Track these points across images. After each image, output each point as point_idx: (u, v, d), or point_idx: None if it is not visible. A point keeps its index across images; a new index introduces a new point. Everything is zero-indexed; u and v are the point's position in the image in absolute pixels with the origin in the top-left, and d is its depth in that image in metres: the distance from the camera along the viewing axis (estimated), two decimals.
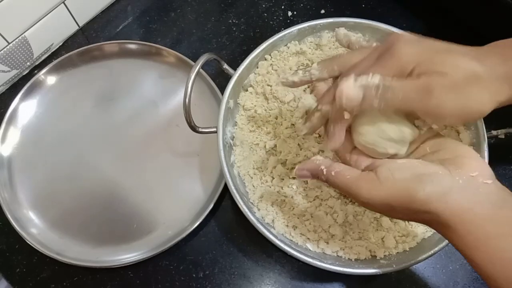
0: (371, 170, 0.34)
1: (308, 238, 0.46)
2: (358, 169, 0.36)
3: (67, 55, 0.60)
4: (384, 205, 0.33)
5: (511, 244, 0.29)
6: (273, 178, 0.48)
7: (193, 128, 0.48)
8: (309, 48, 0.53)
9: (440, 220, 0.31)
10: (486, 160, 0.45)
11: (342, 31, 0.42)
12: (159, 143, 0.57)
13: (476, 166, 0.32)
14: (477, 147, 0.46)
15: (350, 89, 0.32)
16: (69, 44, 0.64)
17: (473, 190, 0.31)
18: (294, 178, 0.48)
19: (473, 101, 0.32)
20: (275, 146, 0.49)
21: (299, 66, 0.52)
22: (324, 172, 0.35)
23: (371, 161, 0.36)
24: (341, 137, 0.36)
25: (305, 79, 0.39)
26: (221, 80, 0.58)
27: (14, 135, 0.58)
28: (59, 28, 0.62)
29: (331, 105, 0.36)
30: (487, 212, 0.30)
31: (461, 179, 0.31)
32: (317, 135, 0.49)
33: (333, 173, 0.35)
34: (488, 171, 0.33)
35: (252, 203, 0.48)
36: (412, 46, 0.33)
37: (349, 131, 0.37)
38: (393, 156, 0.36)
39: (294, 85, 0.40)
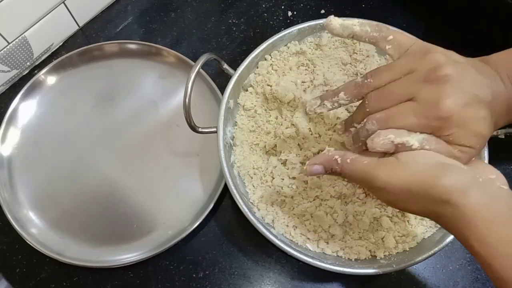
0: (390, 156, 0.33)
1: (308, 238, 0.46)
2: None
3: (67, 55, 0.60)
4: (402, 189, 0.32)
5: None
6: (273, 178, 0.48)
7: (193, 128, 0.48)
8: (309, 48, 0.53)
9: (459, 214, 0.30)
10: (486, 160, 0.45)
11: (336, 21, 0.37)
12: (159, 143, 0.57)
13: (493, 171, 0.32)
14: None
15: (384, 146, 0.33)
16: (69, 44, 0.64)
17: (492, 191, 0.31)
18: (294, 178, 0.48)
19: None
20: (275, 146, 0.49)
21: (299, 67, 0.52)
22: (339, 161, 0.34)
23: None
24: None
25: (333, 108, 0.38)
26: (221, 80, 0.58)
27: (14, 135, 0.58)
28: (59, 28, 0.62)
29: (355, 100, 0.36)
30: (507, 213, 0.29)
31: (481, 177, 0.31)
32: (317, 135, 0.49)
33: (348, 160, 0.34)
34: (503, 178, 0.32)
35: (252, 203, 0.48)
36: (458, 99, 0.32)
37: None
38: None
39: (320, 114, 0.39)
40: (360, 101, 0.37)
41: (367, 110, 0.35)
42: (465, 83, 0.32)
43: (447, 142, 0.33)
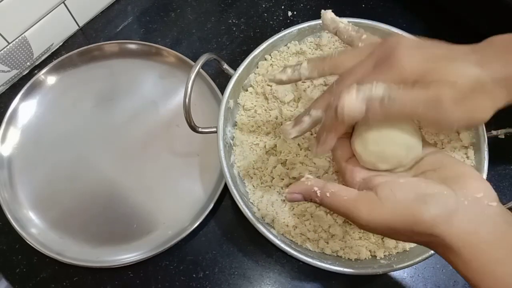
0: (369, 189, 0.32)
1: (308, 238, 0.46)
2: (354, 180, 0.35)
3: (67, 55, 0.60)
4: (385, 227, 0.31)
5: None
6: (273, 178, 0.48)
7: (193, 128, 0.48)
8: (309, 48, 0.53)
9: (445, 243, 0.30)
10: (486, 160, 0.45)
11: (329, 14, 0.40)
12: (159, 143, 0.57)
13: (481, 187, 0.31)
14: (477, 147, 0.46)
15: (353, 102, 0.30)
16: (69, 44, 0.64)
17: (478, 212, 0.30)
18: (294, 178, 0.48)
19: (478, 110, 0.32)
20: (275, 146, 0.49)
21: (296, 64, 0.52)
22: (318, 194, 0.33)
23: (368, 173, 0.35)
24: (331, 145, 0.34)
25: (293, 78, 0.38)
26: (221, 80, 0.58)
27: (14, 135, 0.58)
28: (59, 28, 0.62)
29: (325, 111, 0.34)
30: (492, 236, 0.29)
31: (466, 200, 0.30)
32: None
33: (328, 194, 0.33)
34: (492, 192, 0.31)
35: (252, 203, 0.48)
36: (414, 54, 0.32)
37: (348, 138, 0.36)
38: (393, 170, 0.35)
39: (281, 82, 0.39)
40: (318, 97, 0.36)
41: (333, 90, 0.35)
42: (424, 48, 0.32)
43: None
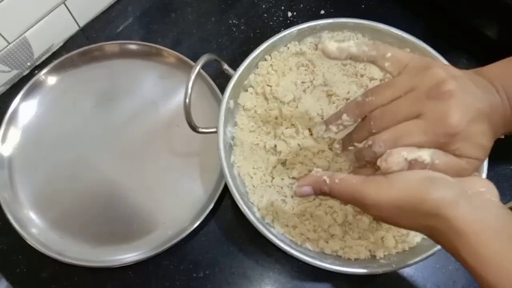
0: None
1: (308, 238, 0.46)
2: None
3: (67, 55, 0.60)
4: (392, 206, 0.32)
5: None
6: (273, 178, 0.48)
7: (193, 128, 0.48)
8: (309, 48, 0.53)
9: (450, 227, 0.30)
10: (486, 160, 0.45)
11: (331, 46, 0.36)
12: (159, 143, 0.57)
13: (483, 184, 0.32)
14: None
15: (397, 166, 0.33)
16: (69, 44, 0.64)
17: (481, 203, 0.31)
18: (294, 178, 0.48)
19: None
20: (275, 146, 0.49)
21: (298, 67, 0.53)
22: (328, 182, 0.34)
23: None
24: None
25: (339, 131, 0.38)
26: (221, 81, 0.58)
27: (14, 135, 0.58)
28: (59, 28, 0.62)
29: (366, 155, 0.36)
30: (498, 225, 0.29)
31: (470, 190, 0.31)
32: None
33: (337, 180, 0.34)
34: (495, 190, 0.32)
35: (252, 203, 0.48)
36: (463, 112, 0.32)
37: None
38: None
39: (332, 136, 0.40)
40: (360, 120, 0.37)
41: (373, 130, 0.35)
42: (467, 97, 0.32)
43: (454, 156, 0.33)
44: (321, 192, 0.35)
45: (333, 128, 0.38)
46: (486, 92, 0.34)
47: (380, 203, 0.32)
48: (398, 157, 0.32)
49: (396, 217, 0.33)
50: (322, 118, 0.49)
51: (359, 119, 0.37)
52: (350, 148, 0.38)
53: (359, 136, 0.36)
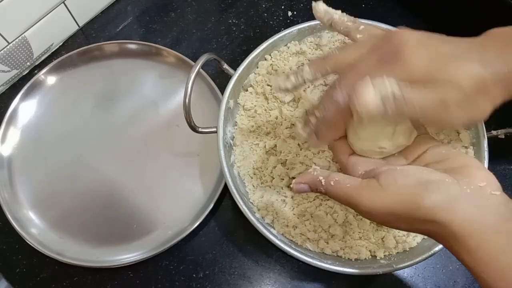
0: (372, 177, 0.32)
1: (308, 238, 0.46)
2: (356, 174, 0.35)
3: (67, 55, 0.60)
4: (387, 213, 0.31)
5: None
6: (273, 178, 0.48)
7: (193, 128, 0.48)
8: (309, 48, 0.53)
9: (447, 231, 0.29)
10: (486, 160, 0.45)
11: (321, 6, 0.38)
12: (159, 143, 0.57)
13: (484, 177, 0.31)
14: (477, 147, 0.46)
15: (371, 98, 0.30)
16: (69, 44, 0.64)
17: (481, 201, 0.30)
18: (294, 178, 0.48)
19: (479, 111, 0.32)
20: (275, 146, 0.49)
21: (298, 67, 0.52)
22: (323, 183, 0.34)
23: (370, 165, 0.35)
24: (330, 141, 0.35)
25: (298, 84, 0.37)
26: (221, 80, 0.58)
27: (14, 135, 0.58)
28: (59, 28, 0.62)
29: (330, 108, 0.34)
30: (497, 224, 0.29)
31: (468, 188, 0.30)
32: None
33: (332, 182, 0.33)
34: (496, 182, 0.31)
35: (252, 203, 0.48)
36: (421, 52, 0.31)
37: (344, 135, 0.36)
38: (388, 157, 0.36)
39: (288, 90, 0.38)
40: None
41: (336, 88, 0.34)
42: (429, 44, 0.32)
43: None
44: (317, 191, 0.35)
45: (292, 77, 0.37)
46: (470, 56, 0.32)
47: (375, 211, 0.31)
48: (369, 91, 0.30)
49: (393, 223, 0.32)
50: None
51: (319, 74, 0.36)
52: (312, 118, 0.36)
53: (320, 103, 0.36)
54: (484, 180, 0.31)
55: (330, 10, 0.38)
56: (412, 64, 0.31)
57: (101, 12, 0.66)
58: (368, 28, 0.37)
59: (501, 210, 0.29)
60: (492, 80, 0.31)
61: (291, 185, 0.36)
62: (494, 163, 0.48)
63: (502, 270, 0.28)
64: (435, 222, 0.29)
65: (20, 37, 0.57)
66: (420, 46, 0.32)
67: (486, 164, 0.45)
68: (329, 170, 0.35)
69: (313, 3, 0.39)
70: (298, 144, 0.49)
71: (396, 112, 0.30)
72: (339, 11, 0.38)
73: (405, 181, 0.31)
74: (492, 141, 0.46)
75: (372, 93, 0.29)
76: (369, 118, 0.30)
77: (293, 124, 0.49)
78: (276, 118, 0.50)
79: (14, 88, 0.61)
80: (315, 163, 0.47)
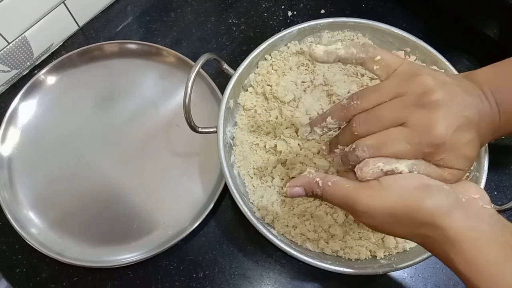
0: (373, 180, 0.33)
1: (308, 238, 0.46)
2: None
3: (67, 55, 0.60)
4: (386, 213, 0.31)
5: None
6: (273, 178, 0.48)
7: (193, 128, 0.48)
8: (309, 48, 0.53)
9: (444, 236, 0.30)
10: (486, 160, 0.45)
11: (318, 50, 0.36)
12: (159, 143, 0.57)
13: (476, 190, 0.32)
14: None
15: (373, 174, 0.32)
16: (69, 44, 0.64)
17: (475, 211, 0.30)
18: (294, 178, 0.48)
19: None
20: (275, 146, 0.49)
21: (299, 67, 0.52)
22: (320, 184, 0.34)
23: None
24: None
25: (324, 133, 0.38)
26: (221, 80, 0.58)
27: (14, 135, 0.57)
28: (59, 28, 0.62)
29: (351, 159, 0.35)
30: (491, 234, 0.29)
31: (464, 197, 0.31)
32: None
33: (329, 183, 0.33)
34: (487, 197, 0.32)
35: (252, 203, 0.48)
36: (448, 124, 0.31)
37: None
38: None
39: (314, 138, 0.39)
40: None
41: (356, 133, 0.34)
42: (455, 106, 0.32)
43: (437, 166, 0.32)
44: (313, 194, 0.35)
45: (318, 130, 0.37)
46: (475, 99, 0.33)
47: (373, 210, 0.31)
48: (373, 168, 0.32)
49: (389, 225, 0.32)
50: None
51: (344, 123, 0.36)
52: (336, 150, 0.37)
53: (344, 139, 0.36)
54: (477, 193, 0.32)
55: (330, 48, 0.36)
56: (437, 137, 0.31)
57: (101, 12, 0.66)
58: (385, 58, 0.35)
59: (492, 222, 0.30)
60: (483, 135, 0.34)
61: (284, 189, 0.36)
62: (494, 163, 0.48)
63: (495, 278, 0.28)
64: (433, 225, 0.30)
65: (20, 37, 0.57)
66: (449, 110, 0.32)
67: (486, 164, 0.45)
68: (328, 172, 0.35)
69: (308, 50, 0.36)
70: (298, 144, 0.49)
71: None
72: (339, 44, 0.36)
73: (407, 183, 0.31)
74: (492, 141, 0.46)
75: (377, 174, 0.32)
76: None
77: (293, 124, 0.49)
78: (276, 118, 0.50)
79: (14, 88, 0.61)
80: (315, 163, 0.47)
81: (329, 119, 0.36)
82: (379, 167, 0.32)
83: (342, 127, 0.37)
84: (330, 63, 0.37)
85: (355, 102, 0.34)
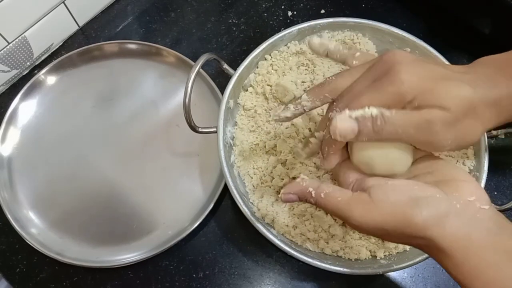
0: (363, 191, 0.32)
1: (308, 238, 0.46)
2: (347, 181, 0.35)
3: (67, 55, 0.60)
4: (377, 229, 0.31)
5: (509, 274, 0.28)
6: (273, 178, 0.48)
7: (193, 128, 0.48)
8: (309, 48, 0.53)
9: (436, 246, 0.30)
10: (486, 160, 0.45)
11: (315, 40, 0.40)
12: (159, 143, 0.57)
13: (473, 191, 0.31)
14: (477, 147, 0.46)
15: (344, 124, 0.31)
16: (69, 44, 0.64)
17: (470, 216, 0.30)
18: (294, 178, 0.48)
19: (468, 133, 0.32)
20: (275, 146, 0.49)
21: (299, 66, 0.52)
22: (313, 195, 0.34)
23: (361, 174, 0.35)
24: (336, 158, 0.35)
25: (298, 112, 0.37)
26: (221, 80, 0.58)
27: (14, 135, 0.58)
28: (59, 28, 0.62)
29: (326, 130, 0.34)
30: (484, 239, 0.29)
31: (458, 203, 0.30)
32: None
33: (322, 195, 0.33)
34: (485, 196, 0.31)
35: (252, 203, 0.48)
36: (413, 71, 0.31)
37: (345, 147, 0.36)
38: (389, 176, 0.35)
39: (287, 119, 0.39)
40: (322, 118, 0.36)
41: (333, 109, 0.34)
42: (423, 64, 0.32)
43: (417, 110, 0.31)
44: (306, 201, 0.35)
45: (291, 106, 0.37)
46: (454, 70, 0.33)
47: (365, 225, 0.31)
48: (342, 117, 0.31)
49: (383, 237, 0.33)
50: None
51: (318, 102, 0.36)
52: (311, 139, 0.37)
53: (321, 126, 0.36)
54: (473, 194, 0.31)
55: (325, 41, 0.40)
56: (403, 82, 0.31)
57: (101, 12, 0.66)
58: (364, 54, 0.38)
59: (489, 225, 0.30)
60: (482, 103, 0.32)
61: (279, 195, 0.36)
62: (494, 163, 0.48)
63: (488, 283, 0.28)
64: (425, 238, 0.30)
65: (20, 37, 0.57)
66: (413, 65, 0.32)
67: (486, 164, 0.45)
68: (319, 179, 0.35)
69: (308, 40, 0.40)
70: None
71: (377, 133, 0.31)
72: (334, 42, 0.40)
73: (397, 198, 0.31)
74: (492, 141, 0.46)
75: (345, 117, 0.31)
76: (344, 139, 0.32)
77: (293, 124, 0.49)
78: None
79: (14, 88, 0.61)
80: (315, 163, 0.47)
81: (304, 96, 0.36)
82: (347, 113, 0.31)
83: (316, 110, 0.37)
84: (320, 55, 0.40)
85: (330, 78, 0.36)
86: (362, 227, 0.32)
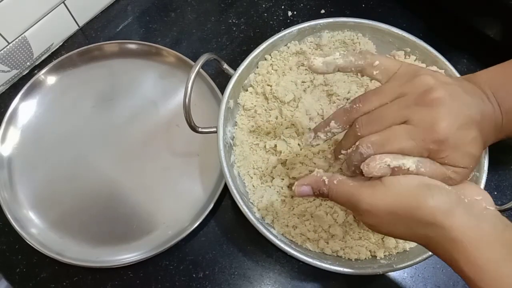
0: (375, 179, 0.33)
1: (308, 238, 0.46)
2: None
3: (67, 55, 0.60)
4: (387, 212, 0.31)
5: None
6: (273, 178, 0.48)
7: (193, 128, 0.48)
8: (309, 48, 0.53)
9: (446, 236, 0.30)
10: (486, 160, 0.45)
11: (317, 61, 0.36)
12: (159, 143, 0.57)
13: (479, 191, 0.32)
14: None
15: (380, 170, 0.32)
16: (69, 44, 0.64)
17: (478, 211, 0.31)
18: (294, 178, 0.48)
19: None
20: (275, 146, 0.49)
21: (299, 67, 0.52)
22: (326, 182, 0.35)
23: None
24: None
25: (328, 138, 0.38)
26: (221, 80, 0.58)
27: (14, 135, 0.57)
28: (59, 28, 0.62)
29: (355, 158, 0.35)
30: (493, 233, 0.30)
31: (466, 198, 0.31)
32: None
33: (335, 181, 0.34)
34: (490, 198, 0.32)
35: (252, 203, 0.48)
36: (453, 122, 0.31)
37: None
38: None
39: (318, 145, 0.39)
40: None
41: (358, 134, 0.34)
42: (456, 104, 0.32)
43: (441, 164, 0.32)
44: (319, 193, 0.36)
45: (322, 135, 0.37)
46: (477, 99, 0.34)
47: (375, 209, 0.32)
48: (380, 162, 0.32)
49: (391, 225, 0.33)
50: (323, 118, 0.49)
51: (347, 126, 0.36)
52: (340, 156, 0.37)
53: (347, 143, 0.36)
54: (480, 194, 0.32)
55: (329, 59, 0.36)
56: (441, 134, 0.31)
57: (101, 12, 0.66)
58: (383, 62, 0.36)
59: (495, 222, 0.30)
60: (485, 138, 0.34)
61: (293, 188, 0.37)
62: (494, 163, 0.48)
63: (498, 278, 0.28)
64: (435, 225, 0.30)
65: (20, 37, 0.57)
66: (450, 107, 0.32)
67: (486, 164, 0.45)
68: (328, 172, 0.36)
69: (307, 63, 0.37)
70: (298, 144, 0.49)
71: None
72: (337, 54, 0.36)
73: (408, 181, 0.32)
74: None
75: (384, 169, 0.32)
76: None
77: (293, 124, 0.49)
78: (276, 118, 0.50)
79: (14, 88, 0.61)
80: (315, 163, 0.47)
81: (332, 123, 0.36)
82: (386, 162, 0.32)
83: (345, 132, 0.37)
84: (330, 73, 0.37)
85: (357, 105, 0.35)
86: (372, 211, 0.32)
